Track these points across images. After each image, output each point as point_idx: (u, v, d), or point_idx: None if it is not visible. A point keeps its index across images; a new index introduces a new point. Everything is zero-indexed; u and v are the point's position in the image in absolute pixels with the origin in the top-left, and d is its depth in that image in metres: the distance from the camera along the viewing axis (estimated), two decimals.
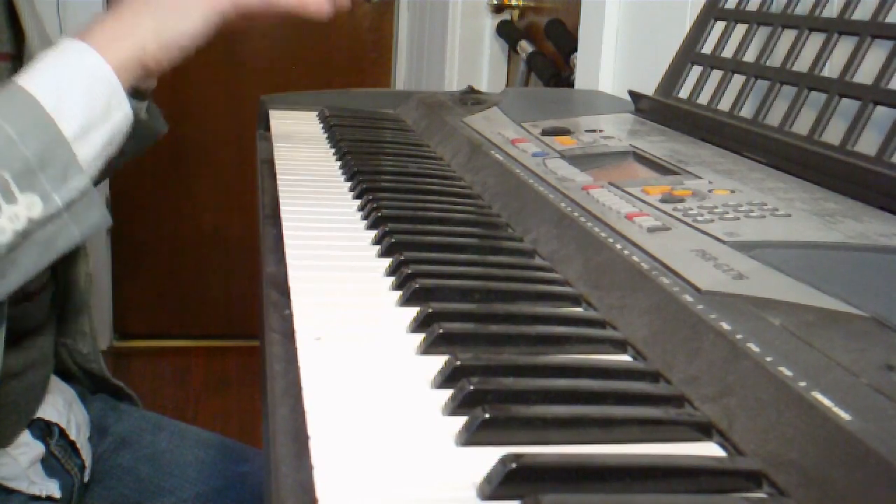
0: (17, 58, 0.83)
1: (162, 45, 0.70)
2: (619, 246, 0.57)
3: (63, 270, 0.92)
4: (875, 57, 0.73)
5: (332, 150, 0.93)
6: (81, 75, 0.66)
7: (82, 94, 0.65)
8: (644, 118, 0.97)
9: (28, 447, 0.84)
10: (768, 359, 0.41)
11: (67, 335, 0.94)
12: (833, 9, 0.81)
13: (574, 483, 0.35)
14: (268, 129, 1.04)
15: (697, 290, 0.49)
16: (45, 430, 0.87)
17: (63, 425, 0.87)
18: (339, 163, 0.88)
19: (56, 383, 0.92)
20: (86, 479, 0.89)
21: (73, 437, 0.88)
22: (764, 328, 0.44)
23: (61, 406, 0.89)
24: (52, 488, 0.84)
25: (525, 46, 1.86)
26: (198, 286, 2.93)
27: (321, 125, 1.06)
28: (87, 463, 0.89)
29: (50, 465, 0.86)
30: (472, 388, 0.40)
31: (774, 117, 0.81)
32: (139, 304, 2.92)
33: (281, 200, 0.73)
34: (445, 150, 0.92)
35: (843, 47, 0.77)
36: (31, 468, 0.83)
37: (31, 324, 0.85)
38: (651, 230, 0.58)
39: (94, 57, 0.67)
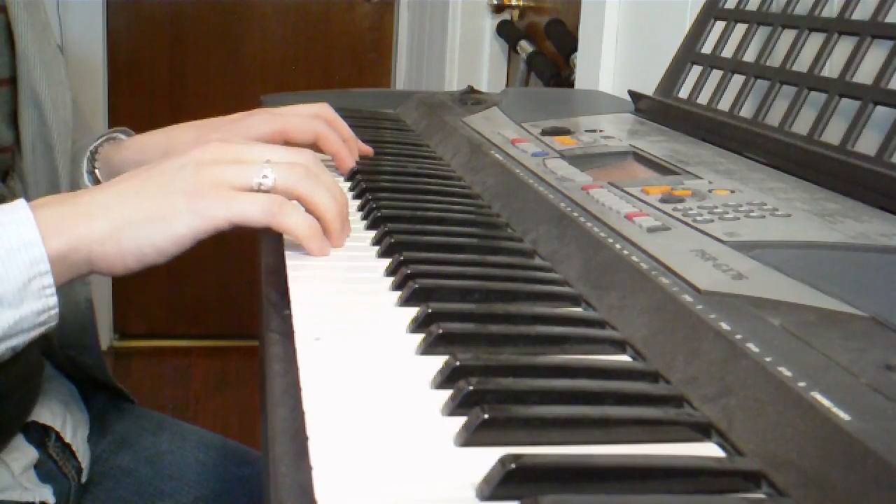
0: (13, 81, 0.82)
1: (118, 250, 0.59)
2: (618, 246, 0.57)
3: (62, 295, 0.90)
4: (875, 57, 0.73)
5: None
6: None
7: None
8: (644, 118, 0.97)
9: (21, 452, 0.82)
10: (768, 359, 0.41)
11: (70, 348, 0.93)
12: (833, 9, 0.81)
13: (573, 483, 0.35)
14: None
15: (697, 290, 0.49)
16: (41, 434, 0.86)
17: (58, 428, 0.86)
18: None
19: (52, 382, 0.91)
20: (83, 480, 0.89)
21: (68, 439, 0.87)
22: (763, 328, 0.44)
23: (56, 407, 0.88)
24: (46, 494, 0.83)
25: (525, 46, 1.86)
26: (198, 286, 2.93)
27: None
28: (84, 465, 0.89)
29: (46, 468, 0.85)
30: (471, 388, 0.40)
31: (774, 117, 0.81)
32: (139, 304, 2.92)
33: None
34: (445, 150, 0.92)
35: (843, 47, 0.77)
36: (23, 475, 0.82)
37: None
38: (651, 230, 0.58)
39: (31, 233, 0.57)
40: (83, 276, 0.61)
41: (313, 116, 0.82)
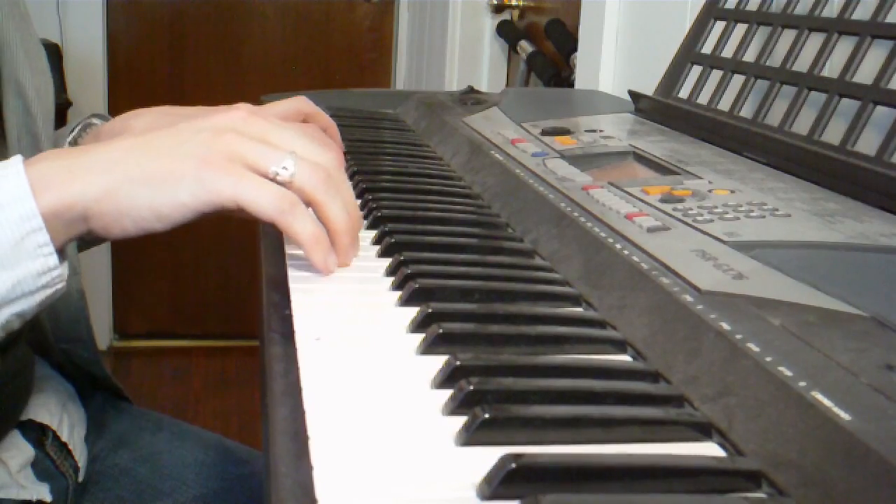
0: None
1: (116, 210, 0.55)
2: (618, 246, 0.57)
3: None
4: (875, 57, 0.73)
5: None
6: None
7: None
8: (644, 118, 0.97)
9: (18, 450, 0.82)
10: (768, 359, 0.41)
11: (64, 341, 0.93)
12: (833, 9, 0.81)
13: (573, 483, 0.35)
14: None
15: (697, 290, 0.49)
16: (38, 433, 0.86)
17: (55, 427, 0.86)
18: None
19: (49, 381, 0.91)
20: (80, 479, 0.89)
21: (64, 438, 0.87)
22: (764, 328, 0.44)
23: (54, 406, 0.88)
24: (43, 492, 0.82)
25: (525, 46, 1.87)
26: (198, 286, 2.93)
27: None
28: (81, 464, 0.89)
29: (44, 467, 0.85)
30: (471, 388, 0.40)
31: (774, 117, 0.81)
32: (139, 304, 2.92)
33: None
34: (445, 150, 0.92)
35: (843, 47, 0.77)
36: (21, 472, 0.82)
37: None
38: (651, 230, 0.58)
39: (20, 187, 0.53)
40: (81, 235, 0.57)
41: (295, 112, 0.76)
